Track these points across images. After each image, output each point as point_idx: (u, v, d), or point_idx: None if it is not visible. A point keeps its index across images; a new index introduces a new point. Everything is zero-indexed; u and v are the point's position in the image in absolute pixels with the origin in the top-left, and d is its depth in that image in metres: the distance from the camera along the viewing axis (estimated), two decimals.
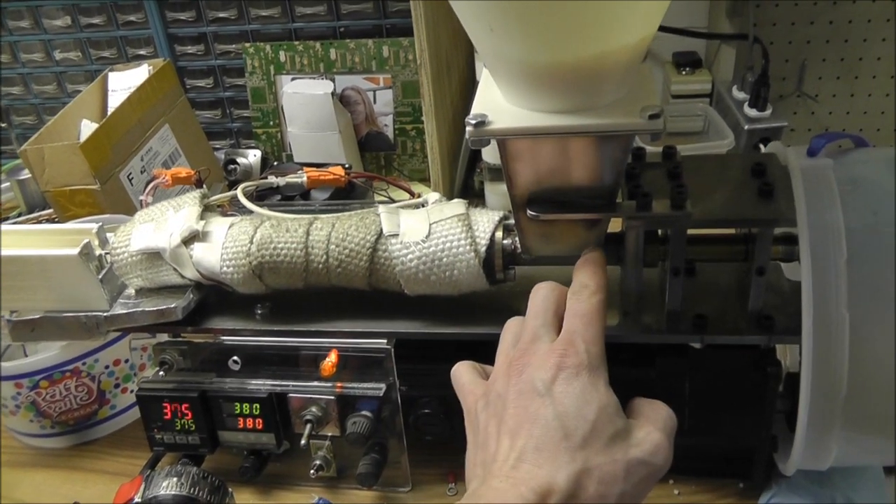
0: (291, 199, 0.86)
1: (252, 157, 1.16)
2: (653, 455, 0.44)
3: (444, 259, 0.55)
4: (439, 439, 0.62)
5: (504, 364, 0.48)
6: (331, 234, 0.58)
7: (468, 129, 0.47)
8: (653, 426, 0.46)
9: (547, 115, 0.48)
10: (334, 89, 1.11)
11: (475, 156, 0.99)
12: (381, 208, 0.58)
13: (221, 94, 1.28)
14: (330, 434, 0.63)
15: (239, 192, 0.67)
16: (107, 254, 0.69)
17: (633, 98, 0.48)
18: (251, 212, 0.69)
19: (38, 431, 0.82)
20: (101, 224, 0.70)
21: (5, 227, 0.92)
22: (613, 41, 0.43)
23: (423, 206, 0.60)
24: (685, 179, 0.56)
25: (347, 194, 0.88)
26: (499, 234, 0.57)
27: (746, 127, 1.00)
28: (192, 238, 0.62)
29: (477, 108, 0.49)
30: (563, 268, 0.64)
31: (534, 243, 0.56)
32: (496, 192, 0.92)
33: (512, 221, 0.58)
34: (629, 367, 0.61)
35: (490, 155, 0.89)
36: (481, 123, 0.46)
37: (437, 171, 0.92)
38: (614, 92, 0.48)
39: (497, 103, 0.50)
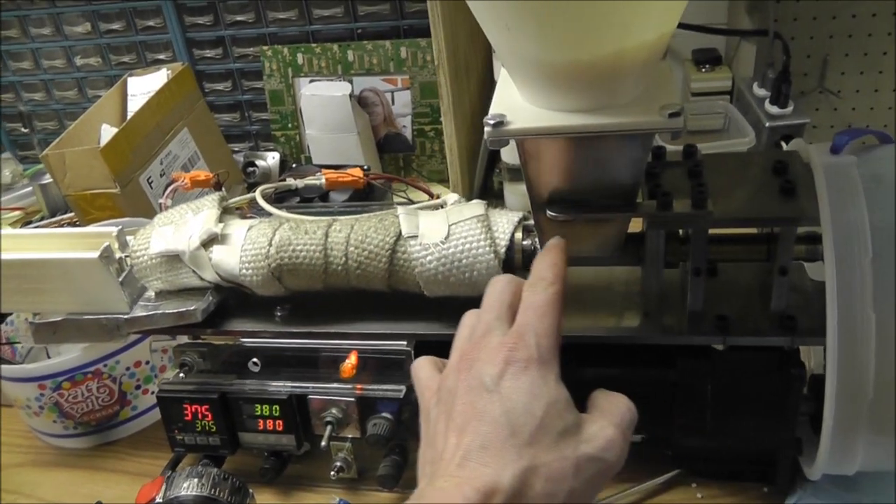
0: (310, 201, 0.86)
1: (271, 159, 1.16)
2: (605, 451, 0.42)
3: (464, 260, 0.55)
4: None
5: (456, 359, 0.46)
6: (350, 236, 0.57)
7: (486, 129, 0.47)
8: (606, 421, 0.44)
9: (565, 114, 0.48)
10: (352, 91, 1.11)
11: (494, 156, 0.99)
12: (400, 209, 0.57)
13: (240, 97, 1.29)
14: (350, 436, 0.63)
15: (257, 194, 0.67)
16: (126, 257, 0.69)
17: (653, 96, 0.48)
18: (270, 214, 0.70)
19: (62, 432, 0.83)
20: (120, 227, 0.71)
21: (27, 230, 0.93)
22: (631, 39, 0.43)
23: (442, 207, 0.60)
24: (706, 178, 0.55)
25: (366, 196, 0.87)
26: (518, 234, 0.57)
27: (768, 124, 0.99)
28: (210, 241, 0.62)
29: (495, 108, 0.48)
30: (583, 269, 0.64)
31: None
32: (516, 193, 0.92)
33: (531, 222, 0.58)
34: (649, 369, 0.60)
35: (509, 155, 0.89)
36: (500, 123, 0.46)
37: (456, 172, 0.92)
38: (633, 90, 0.48)
39: (515, 103, 0.49)
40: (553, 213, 0.52)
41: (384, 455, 0.63)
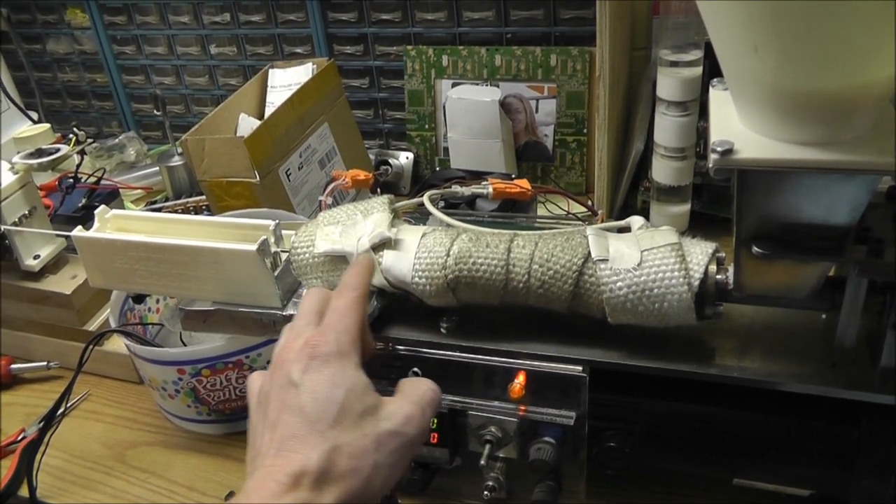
0: (456, 206, 0.85)
1: (404, 158, 1.15)
2: (404, 426, 0.47)
3: (655, 290, 0.53)
4: (620, 474, 0.60)
5: (271, 365, 0.51)
6: (534, 254, 0.56)
7: (713, 156, 0.44)
8: (406, 400, 0.49)
9: (792, 146, 0.45)
10: (501, 96, 1.10)
11: (639, 174, 0.96)
12: (590, 230, 0.55)
13: (376, 94, 1.29)
14: (505, 455, 0.61)
15: (426, 200, 0.66)
16: (282, 252, 0.69)
17: (877, 135, 0.45)
18: (427, 218, 0.68)
19: (194, 416, 0.84)
20: (277, 221, 0.71)
21: (182, 216, 0.94)
22: (879, 70, 0.41)
23: (626, 230, 0.58)
24: None
25: (511, 206, 0.85)
26: (712, 267, 0.54)
27: None
28: (382, 245, 0.61)
29: (717, 133, 0.46)
30: (763, 309, 0.61)
31: (749, 280, 0.53)
32: (663, 214, 0.89)
33: (723, 255, 0.55)
34: (830, 424, 0.57)
35: (662, 175, 0.86)
36: (728, 151, 0.44)
37: (603, 187, 0.89)
38: (860, 127, 0.45)
39: (735, 129, 0.47)
40: (760, 250, 0.49)
41: (538, 480, 0.61)
